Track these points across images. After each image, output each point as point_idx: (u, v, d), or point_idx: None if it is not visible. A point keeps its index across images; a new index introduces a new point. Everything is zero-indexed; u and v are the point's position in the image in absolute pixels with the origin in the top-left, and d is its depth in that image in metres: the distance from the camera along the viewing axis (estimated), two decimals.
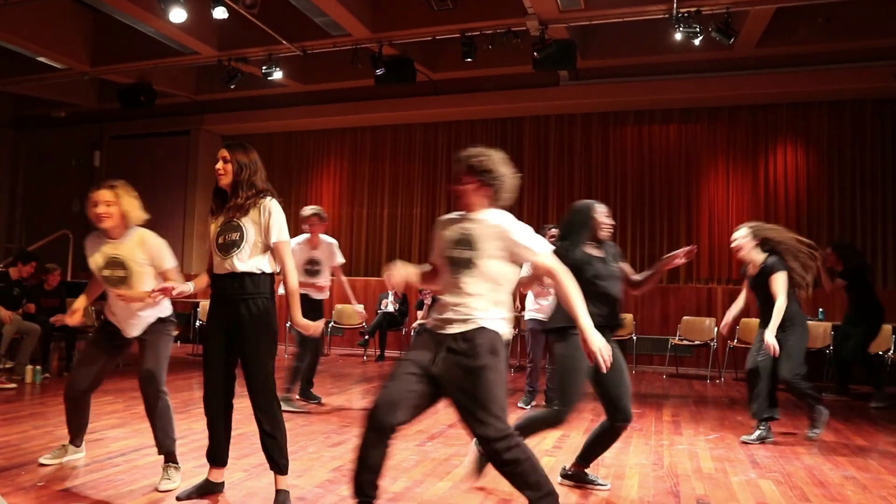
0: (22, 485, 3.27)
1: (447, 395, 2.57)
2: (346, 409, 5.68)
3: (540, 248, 2.63)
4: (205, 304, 9.42)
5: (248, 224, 3.01)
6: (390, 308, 9.55)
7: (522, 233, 2.63)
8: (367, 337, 9.30)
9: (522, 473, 2.49)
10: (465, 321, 2.56)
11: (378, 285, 10.37)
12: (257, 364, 3.00)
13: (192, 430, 4.52)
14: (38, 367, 6.57)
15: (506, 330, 2.62)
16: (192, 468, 3.60)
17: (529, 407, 5.81)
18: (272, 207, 3.03)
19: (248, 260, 3.01)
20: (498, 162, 2.67)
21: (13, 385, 6.14)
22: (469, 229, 2.65)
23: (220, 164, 3.06)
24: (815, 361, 7.82)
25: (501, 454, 2.47)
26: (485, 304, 2.58)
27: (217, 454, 3.15)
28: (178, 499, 3.09)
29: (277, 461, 3.05)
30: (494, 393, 2.49)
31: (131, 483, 3.36)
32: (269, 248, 3.06)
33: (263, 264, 3.06)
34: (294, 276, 3.05)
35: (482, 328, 2.55)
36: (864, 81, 8.60)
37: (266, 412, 3.02)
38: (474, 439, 2.85)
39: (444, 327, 2.60)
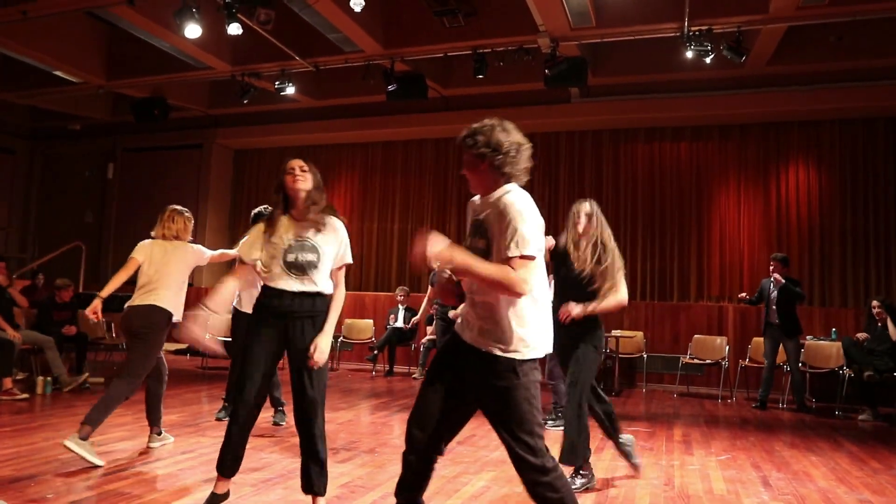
0: (32, 496, 3.27)
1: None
2: (354, 424, 5.66)
3: (516, 251, 2.21)
4: (215, 318, 9.47)
5: (323, 245, 3.04)
6: (399, 323, 9.54)
7: (524, 221, 2.25)
8: (376, 352, 9.28)
9: None
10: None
11: (388, 300, 10.36)
12: (319, 382, 3.01)
13: (200, 444, 4.51)
14: (49, 379, 6.60)
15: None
16: (201, 482, 3.60)
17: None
18: (343, 228, 3.13)
19: (323, 281, 3.05)
20: (501, 131, 2.38)
21: (25, 396, 6.17)
22: (483, 213, 2.38)
23: (298, 172, 3.05)
24: (829, 381, 7.74)
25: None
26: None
27: (232, 463, 3.11)
28: None
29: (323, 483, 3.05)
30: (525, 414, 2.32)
31: (141, 496, 3.35)
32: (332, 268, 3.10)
33: (330, 285, 3.11)
34: (342, 297, 3.12)
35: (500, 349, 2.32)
36: (876, 100, 8.58)
37: (320, 433, 3.02)
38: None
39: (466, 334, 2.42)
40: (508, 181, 2.38)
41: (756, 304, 7.94)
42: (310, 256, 3.00)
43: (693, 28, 7.33)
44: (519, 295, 2.25)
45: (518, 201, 2.29)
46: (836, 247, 9.07)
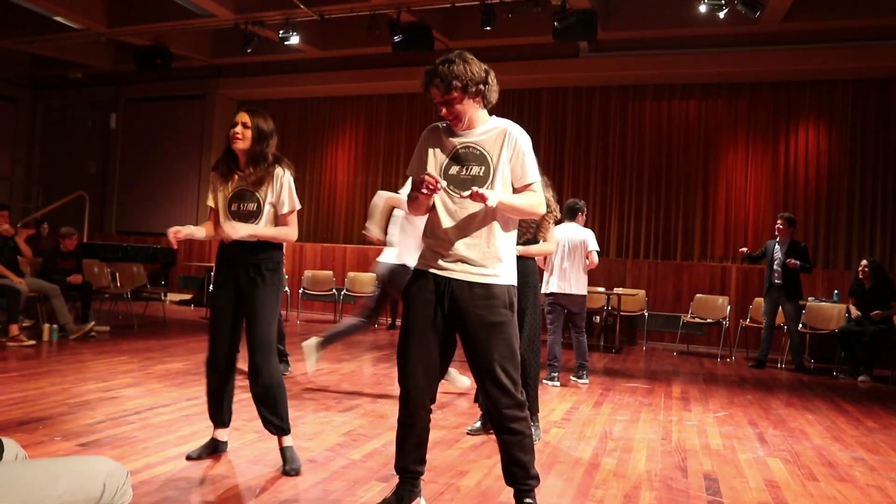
0: (40, 438, 3.34)
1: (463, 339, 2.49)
2: (356, 375, 5.74)
3: (535, 177, 2.51)
4: None
5: (263, 195, 3.06)
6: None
7: (531, 150, 2.52)
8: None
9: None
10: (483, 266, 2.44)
11: None
12: (263, 324, 3.06)
13: (203, 392, 4.56)
14: (55, 326, 6.67)
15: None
16: (205, 428, 3.66)
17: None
18: (285, 179, 3.08)
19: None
20: (473, 62, 2.51)
21: (32, 342, 6.24)
22: (477, 141, 2.49)
23: (238, 129, 3.03)
24: (830, 342, 7.78)
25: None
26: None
27: (222, 416, 3.24)
28: (188, 458, 3.14)
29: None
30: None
31: (146, 440, 3.42)
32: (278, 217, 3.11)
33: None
34: (289, 232, 3.13)
35: (499, 278, 2.45)
36: (891, 60, 8.40)
37: (263, 371, 3.07)
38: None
39: (450, 270, 2.46)
40: (486, 109, 2.53)
41: (755, 262, 7.92)
42: (250, 206, 3.06)
43: None
44: (540, 216, 2.70)
45: (521, 132, 2.51)
46: (842, 209, 9.02)
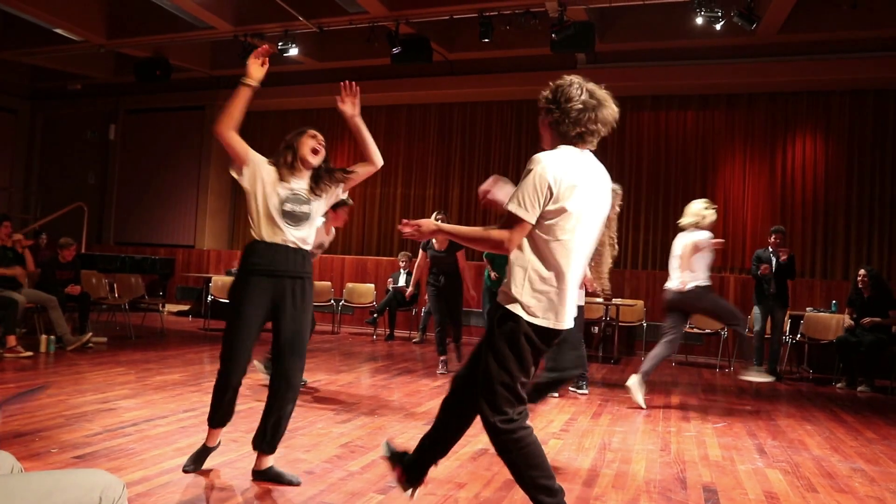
0: (36, 451, 3.32)
1: None
2: (354, 386, 5.72)
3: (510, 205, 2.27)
4: (217, 280, 9.52)
5: (316, 205, 3.12)
6: (401, 282, 9.47)
7: (523, 180, 2.26)
8: (375, 315, 9.33)
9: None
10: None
11: (389, 265, 10.38)
12: (306, 340, 3.10)
13: (202, 403, 4.57)
14: (53, 337, 6.66)
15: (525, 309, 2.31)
16: (202, 439, 3.63)
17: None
18: (338, 193, 3.26)
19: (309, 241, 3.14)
20: (574, 88, 2.34)
21: (29, 354, 6.23)
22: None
23: (319, 144, 3.14)
24: (828, 353, 7.78)
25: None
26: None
27: (225, 416, 3.17)
28: (184, 470, 3.13)
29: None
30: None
31: (143, 452, 3.40)
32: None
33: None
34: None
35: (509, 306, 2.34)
36: (888, 71, 8.45)
37: (297, 390, 3.07)
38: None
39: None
40: (565, 141, 2.35)
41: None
42: (304, 209, 3.07)
43: None
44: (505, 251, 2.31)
45: (534, 160, 2.27)
46: (839, 219, 9.04)
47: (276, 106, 11.78)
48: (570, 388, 5.89)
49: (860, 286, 7.26)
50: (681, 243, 5.61)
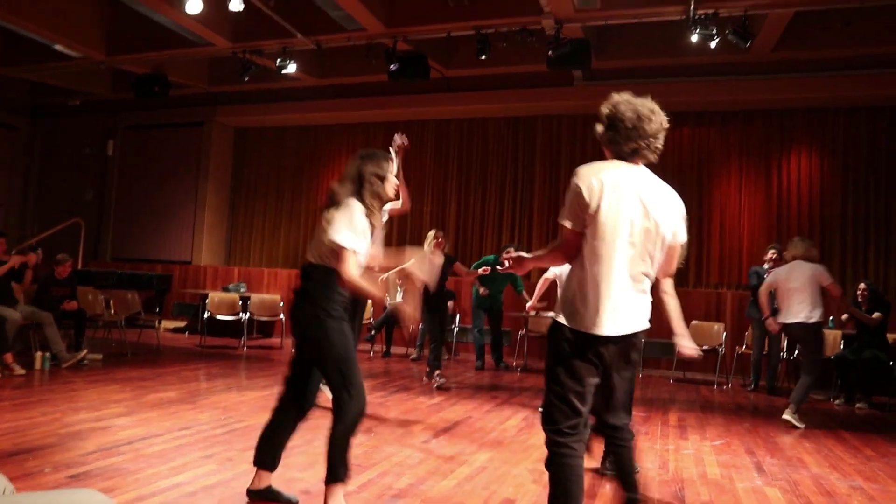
0: (30, 470, 3.29)
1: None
2: None
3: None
4: (213, 296, 9.50)
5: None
6: (398, 300, 9.44)
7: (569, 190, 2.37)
8: (373, 332, 9.30)
9: None
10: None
11: (385, 282, 10.36)
12: None
13: (197, 421, 4.53)
14: (48, 354, 6.62)
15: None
16: (198, 458, 3.62)
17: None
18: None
19: None
20: (624, 104, 2.44)
21: (23, 371, 6.18)
22: None
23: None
24: (825, 369, 7.74)
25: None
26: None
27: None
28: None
29: None
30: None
31: (137, 472, 3.37)
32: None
33: None
34: None
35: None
36: (882, 88, 8.52)
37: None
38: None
39: None
40: (620, 158, 2.44)
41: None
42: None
43: (699, 11, 7.25)
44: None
45: (574, 172, 2.39)
46: (835, 235, 9.07)
47: (274, 122, 11.83)
48: None
49: (860, 300, 7.27)
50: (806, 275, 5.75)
